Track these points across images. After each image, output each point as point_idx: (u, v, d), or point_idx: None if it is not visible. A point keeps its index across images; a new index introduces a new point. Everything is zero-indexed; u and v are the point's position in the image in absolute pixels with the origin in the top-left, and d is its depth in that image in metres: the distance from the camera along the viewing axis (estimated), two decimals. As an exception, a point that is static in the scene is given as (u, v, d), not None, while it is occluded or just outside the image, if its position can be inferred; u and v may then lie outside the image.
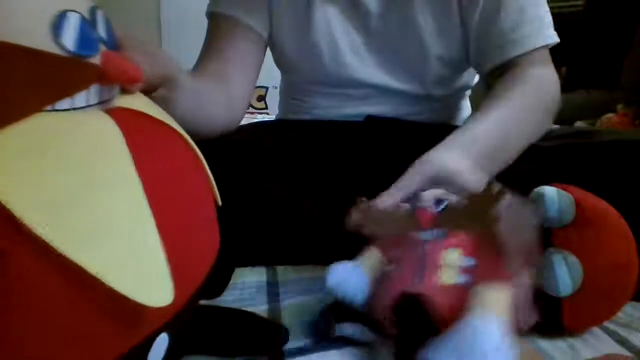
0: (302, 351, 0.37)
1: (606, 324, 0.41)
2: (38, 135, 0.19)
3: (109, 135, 0.22)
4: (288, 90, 0.77)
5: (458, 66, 0.67)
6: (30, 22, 0.20)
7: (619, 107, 1.61)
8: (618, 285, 0.37)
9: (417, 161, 0.45)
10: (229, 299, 0.45)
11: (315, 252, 0.51)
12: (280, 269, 0.54)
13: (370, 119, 0.68)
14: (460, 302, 0.30)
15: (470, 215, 0.33)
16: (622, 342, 0.39)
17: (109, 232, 0.19)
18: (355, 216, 0.34)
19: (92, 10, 0.22)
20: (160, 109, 0.28)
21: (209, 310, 0.37)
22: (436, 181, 0.42)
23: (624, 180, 0.46)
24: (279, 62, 0.73)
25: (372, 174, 0.58)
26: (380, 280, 0.37)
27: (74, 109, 0.21)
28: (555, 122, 0.60)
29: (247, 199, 0.52)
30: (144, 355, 0.23)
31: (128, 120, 0.23)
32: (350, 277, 0.38)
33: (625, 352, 0.38)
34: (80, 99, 0.22)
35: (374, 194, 0.55)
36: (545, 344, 0.38)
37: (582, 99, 1.76)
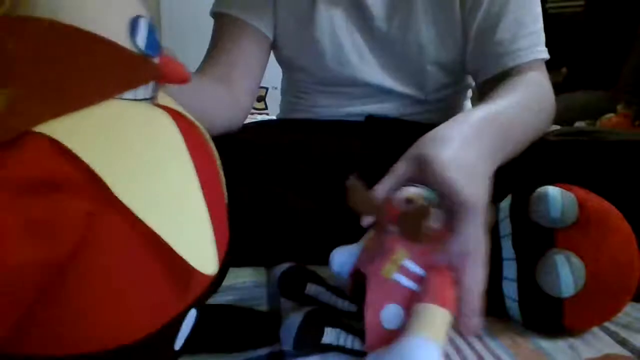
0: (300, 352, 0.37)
1: (606, 324, 0.41)
2: (116, 116, 0.22)
3: (167, 125, 0.25)
4: (290, 89, 0.77)
5: (458, 71, 0.67)
6: (112, 22, 0.23)
7: (619, 107, 1.61)
8: (620, 285, 0.37)
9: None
10: (229, 298, 0.45)
11: (316, 252, 0.51)
12: (277, 269, 0.53)
13: (371, 118, 0.68)
14: (385, 296, 0.33)
15: (407, 228, 0.34)
16: (623, 342, 0.39)
17: (175, 204, 0.22)
18: (348, 196, 0.36)
19: (152, 19, 0.26)
20: (180, 106, 0.31)
21: (206, 308, 0.37)
22: (419, 164, 0.38)
23: (627, 181, 0.46)
24: (281, 61, 0.73)
25: (373, 174, 0.58)
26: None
27: (135, 99, 0.24)
28: (555, 123, 0.60)
29: (248, 199, 0.52)
30: (178, 327, 0.25)
31: (173, 115, 0.26)
32: (350, 260, 0.39)
33: (625, 353, 0.38)
34: (140, 92, 0.25)
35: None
36: (545, 343, 0.38)
37: (582, 99, 1.76)
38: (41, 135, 0.19)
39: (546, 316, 0.38)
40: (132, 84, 0.24)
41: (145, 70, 0.25)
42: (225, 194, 0.32)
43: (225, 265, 0.44)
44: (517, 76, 0.56)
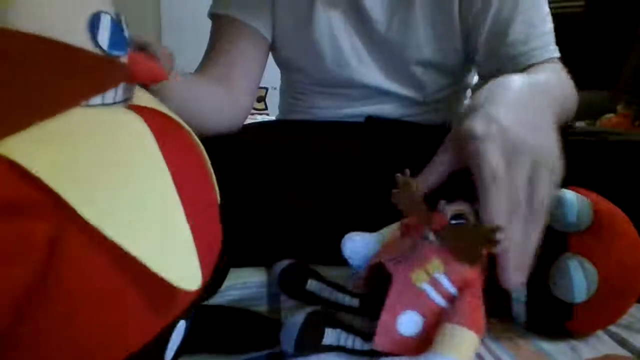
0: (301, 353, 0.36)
1: (607, 324, 0.41)
2: (80, 127, 0.20)
3: (139, 130, 0.23)
4: (288, 90, 0.77)
5: (457, 72, 0.67)
6: (70, 21, 0.21)
7: (619, 107, 1.61)
8: (627, 289, 0.37)
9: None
10: (229, 299, 0.45)
11: (316, 252, 0.51)
12: (278, 266, 0.53)
13: (371, 119, 0.68)
14: (408, 301, 0.33)
15: (461, 247, 0.33)
16: (623, 343, 0.39)
17: (149, 219, 0.21)
18: (395, 191, 0.35)
19: (116, 13, 0.24)
20: (164, 105, 0.29)
21: (206, 309, 0.37)
22: (458, 143, 0.35)
23: (631, 182, 0.46)
24: (280, 62, 0.73)
25: (373, 174, 0.58)
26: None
27: (103, 104, 0.23)
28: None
29: (248, 199, 0.52)
30: (166, 341, 0.24)
31: (149, 117, 0.24)
32: (365, 248, 0.39)
33: (625, 353, 0.37)
34: (109, 96, 0.23)
35: (375, 193, 0.55)
36: (546, 345, 0.38)
37: (582, 99, 1.76)
38: None
39: (554, 319, 0.38)
40: (97, 90, 0.22)
41: (112, 73, 0.23)
42: (217, 194, 0.31)
43: (226, 266, 0.44)
44: (537, 66, 0.57)
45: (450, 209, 0.34)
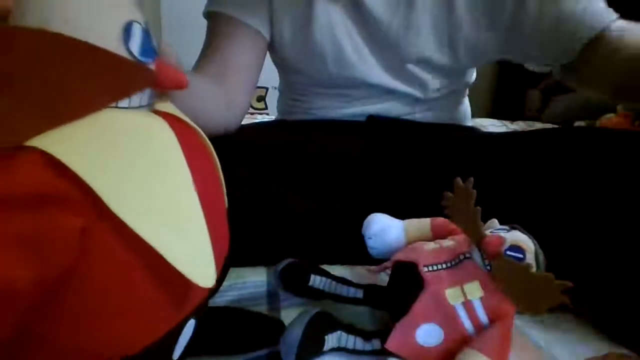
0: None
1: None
2: (110, 127, 0.22)
3: (165, 133, 0.25)
4: (288, 91, 0.76)
5: (457, 71, 0.67)
6: (105, 29, 0.23)
7: (619, 107, 1.61)
8: None
9: None
10: (229, 298, 0.45)
11: (316, 252, 0.51)
12: (280, 264, 0.53)
13: (372, 119, 0.68)
14: (435, 314, 0.32)
15: (520, 289, 0.30)
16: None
17: (171, 215, 0.22)
18: (450, 195, 0.32)
19: (145, 23, 0.26)
20: (179, 111, 0.30)
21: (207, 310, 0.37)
22: None
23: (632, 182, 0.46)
24: (278, 62, 0.72)
25: (374, 173, 0.58)
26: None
27: (130, 107, 0.24)
28: (555, 123, 0.60)
29: (248, 199, 0.52)
30: (176, 339, 0.25)
31: (171, 121, 0.26)
32: (389, 231, 0.38)
33: (625, 352, 0.37)
34: (135, 99, 0.24)
35: (375, 194, 0.55)
36: (545, 342, 0.38)
37: (582, 99, 1.76)
38: (33, 149, 0.18)
39: None
40: (126, 92, 0.23)
41: (140, 78, 0.24)
42: (225, 198, 0.32)
43: (225, 266, 0.44)
44: (607, 34, 0.55)
45: (509, 240, 0.32)
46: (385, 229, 0.39)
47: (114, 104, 0.23)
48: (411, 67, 0.65)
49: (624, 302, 0.38)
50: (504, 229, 0.34)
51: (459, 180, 0.32)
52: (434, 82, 0.66)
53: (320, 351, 0.34)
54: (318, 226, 0.53)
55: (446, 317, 0.32)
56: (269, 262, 0.54)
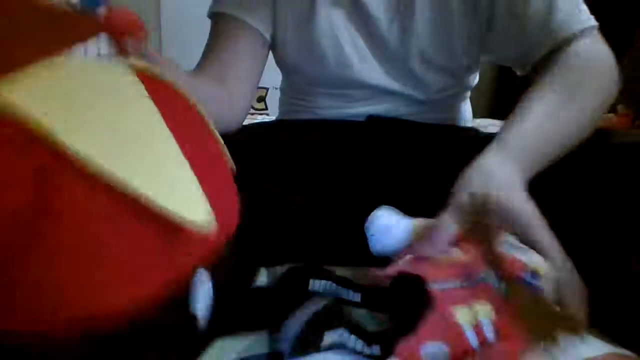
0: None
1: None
2: (63, 71, 0.22)
3: (122, 73, 0.24)
4: (289, 91, 0.77)
5: (458, 73, 0.67)
6: None
7: (619, 107, 1.61)
8: None
9: (464, 171, 0.41)
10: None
11: (317, 253, 0.51)
12: (280, 269, 0.53)
13: (372, 118, 0.68)
14: (442, 333, 0.31)
15: (533, 318, 0.30)
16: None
17: (141, 146, 0.21)
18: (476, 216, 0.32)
19: None
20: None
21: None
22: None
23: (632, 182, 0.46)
24: (280, 63, 0.73)
25: (374, 173, 0.58)
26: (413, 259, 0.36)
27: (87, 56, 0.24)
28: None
29: (248, 199, 0.52)
30: (187, 289, 0.24)
31: (140, 73, 0.25)
32: (393, 228, 0.37)
33: (626, 352, 0.37)
34: (92, 49, 0.24)
35: (375, 194, 0.55)
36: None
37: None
38: None
39: None
40: (72, 40, 0.23)
41: (83, 25, 0.24)
42: (226, 154, 0.31)
43: (253, 258, 0.43)
44: (562, 55, 0.53)
45: (529, 265, 0.31)
46: (389, 227, 0.38)
47: (66, 53, 0.23)
48: (412, 68, 0.65)
49: (624, 302, 0.38)
50: (518, 247, 0.33)
51: (481, 196, 0.31)
52: (435, 83, 0.66)
53: (318, 345, 0.33)
54: (318, 227, 0.53)
55: (453, 335, 0.32)
56: (269, 263, 0.54)
